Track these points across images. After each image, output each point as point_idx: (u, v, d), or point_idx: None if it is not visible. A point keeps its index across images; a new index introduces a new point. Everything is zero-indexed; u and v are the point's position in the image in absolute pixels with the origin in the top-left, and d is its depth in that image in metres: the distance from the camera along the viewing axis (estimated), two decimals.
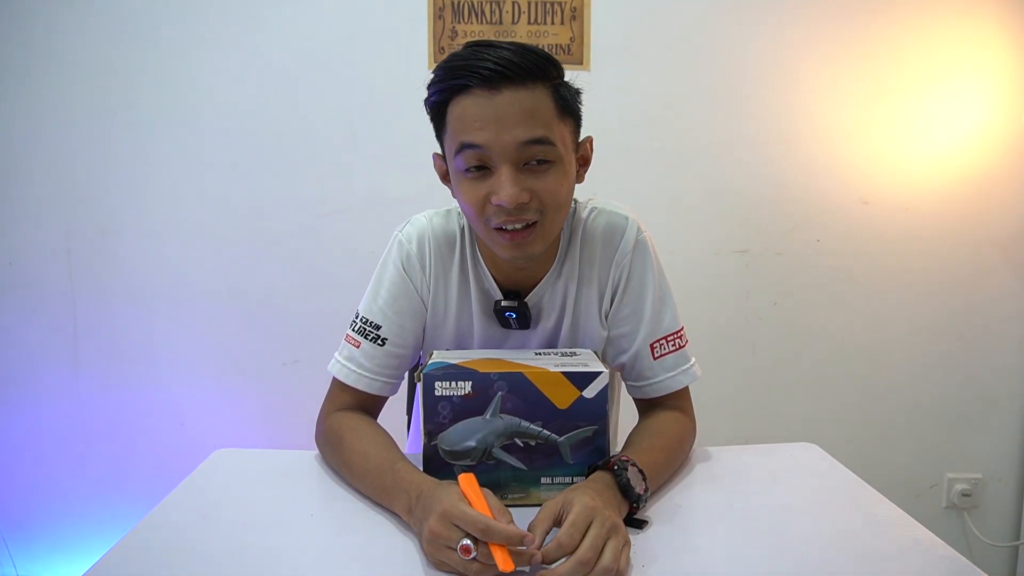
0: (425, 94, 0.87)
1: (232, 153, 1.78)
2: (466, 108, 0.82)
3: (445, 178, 0.93)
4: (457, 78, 0.82)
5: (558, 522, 0.69)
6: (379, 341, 0.96)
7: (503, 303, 0.96)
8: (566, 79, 0.87)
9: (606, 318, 0.99)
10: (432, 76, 0.85)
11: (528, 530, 0.68)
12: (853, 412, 1.92)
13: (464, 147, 0.83)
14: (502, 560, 0.64)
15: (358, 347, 0.96)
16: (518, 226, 0.85)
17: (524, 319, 0.97)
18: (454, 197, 0.91)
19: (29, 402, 1.83)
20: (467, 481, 0.72)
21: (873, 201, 1.85)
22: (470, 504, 0.69)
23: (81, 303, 1.81)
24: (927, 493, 1.96)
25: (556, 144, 0.84)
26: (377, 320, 0.96)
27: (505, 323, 0.97)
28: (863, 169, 1.83)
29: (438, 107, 0.86)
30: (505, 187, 0.82)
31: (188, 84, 1.75)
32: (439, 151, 0.92)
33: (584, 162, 0.94)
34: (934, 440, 1.94)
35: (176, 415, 1.84)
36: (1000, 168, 1.84)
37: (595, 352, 0.92)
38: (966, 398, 1.92)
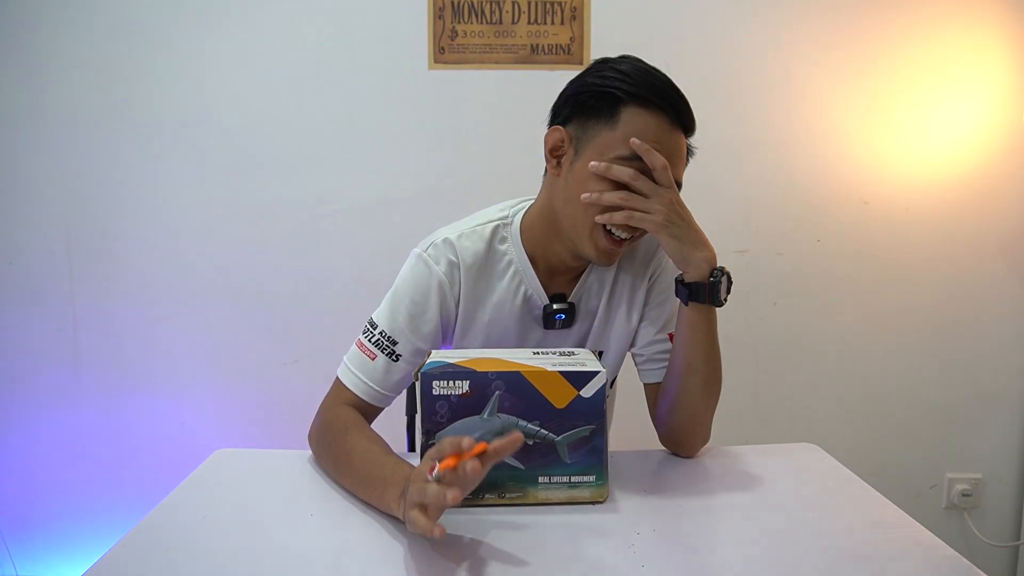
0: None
1: (232, 153, 1.78)
2: (650, 125, 0.88)
3: (554, 152, 0.95)
4: (658, 95, 0.88)
5: None
6: (394, 356, 0.97)
7: (555, 306, 1.01)
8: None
9: (643, 305, 1.04)
10: (617, 66, 0.89)
11: None
12: (853, 412, 1.92)
13: (637, 158, 0.87)
14: (448, 463, 0.67)
15: (373, 359, 0.97)
16: (626, 235, 0.93)
17: (571, 318, 1.02)
18: (554, 175, 0.95)
19: (29, 402, 1.83)
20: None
21: (873, 201, 1.85)
22: None
23: (81, 303, 1.81)
24: (927, 493, 1.95)
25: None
26: (396, 336, 0.97)
27: (550, 324, 1.02)
28: (863, 169, 1.83)
29: (608, 97, 0.89)
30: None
31: (188, 84, 1.75)
32: (556, 125, 0.94)
33: None
34: (934, 440, 1.93)
35: (176, 415, 1.84)
36: (1000, 168, 1.83)
37: (602, 349, 0.92)
38: (966, 398, 1.92)
